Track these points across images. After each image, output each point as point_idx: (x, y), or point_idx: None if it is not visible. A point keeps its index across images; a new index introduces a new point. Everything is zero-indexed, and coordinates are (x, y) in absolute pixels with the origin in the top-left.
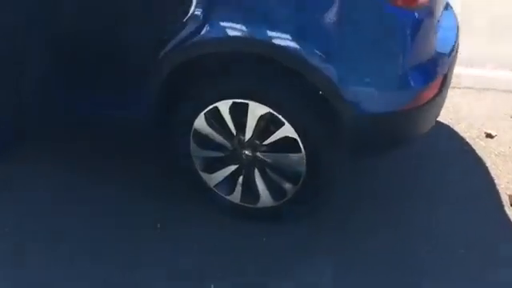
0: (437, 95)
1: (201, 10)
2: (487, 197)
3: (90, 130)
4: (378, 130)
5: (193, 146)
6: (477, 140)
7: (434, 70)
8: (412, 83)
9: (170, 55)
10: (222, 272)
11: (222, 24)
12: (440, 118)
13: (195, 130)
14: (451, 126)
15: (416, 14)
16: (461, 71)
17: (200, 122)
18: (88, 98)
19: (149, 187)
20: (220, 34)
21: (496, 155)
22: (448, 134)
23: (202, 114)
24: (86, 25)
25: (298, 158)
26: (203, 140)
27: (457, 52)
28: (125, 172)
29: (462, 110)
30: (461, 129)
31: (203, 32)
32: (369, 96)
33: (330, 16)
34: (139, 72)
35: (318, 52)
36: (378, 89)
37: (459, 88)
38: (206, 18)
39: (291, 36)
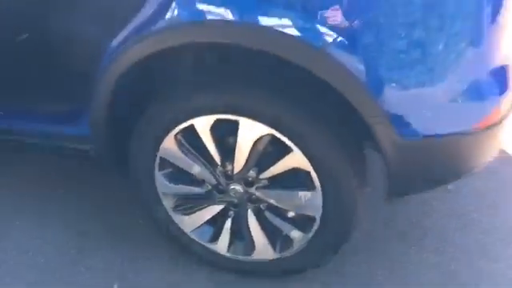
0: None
1: None
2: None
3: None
4: (430, 158)
5: (160, 180)
6: None
7: (501, 89)
8: (487, 92)
9: (121, 51)
10: None
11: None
12: None
13: (161, 158)
14: None
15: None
16: None
17: (168, 147)
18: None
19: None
20: (196, 16)
21: None
22: None
23: (172, 135)
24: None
25: (311, 197)
26: (174, 171)
27: None
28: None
29: None
30: None
31: (169, 15)
32: (425, 112)
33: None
34: (76, 79)
35: (357, 53)
36: (432, 110)
37: None
38: None
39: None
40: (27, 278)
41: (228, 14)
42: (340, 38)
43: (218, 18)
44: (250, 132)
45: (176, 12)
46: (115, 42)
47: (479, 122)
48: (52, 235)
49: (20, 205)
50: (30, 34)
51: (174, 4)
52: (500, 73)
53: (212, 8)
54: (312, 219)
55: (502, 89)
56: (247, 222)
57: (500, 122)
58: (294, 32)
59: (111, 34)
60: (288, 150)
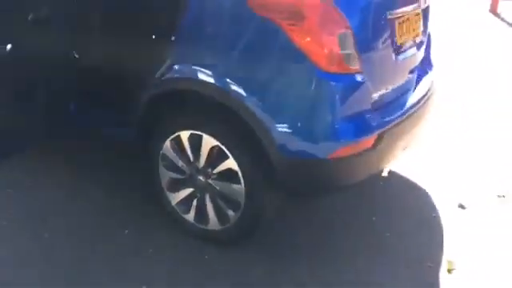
0: (367, 150)
1: (169, 56)
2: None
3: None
4: (300, 173)
5: (161, 167)
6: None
7: (361, 128)
8: (335, 136)
9: (148, 88)
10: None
11: (182, 67)
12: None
13: (162, 154)
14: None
15: (346, 78)
16: None
17: (166, 147)
18: (88, 113)
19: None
20: (179, 74)
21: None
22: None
23: (169, 140)
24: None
25: (238, 189)
26: (168, 163)
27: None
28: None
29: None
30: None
31: (169, 72)
32: (295, 141)
33: (269, 71)
34: (128, 99)
35: (254, 98)
36: (303, 136)
37: None
38: (172, 62)
39: (234, 83)
40: None
41: (194, 75)
42: (239, 88)
43: (188, 76)
44: (207, 143)
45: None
46: (150, 80)
47: (332, 154)
48: None
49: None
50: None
51: (172, 67)
52: (355, 120)
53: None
54: (239, 204)
55: (355, 134)
56: (205, 201)
57: (356, 155)
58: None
59: (150, 74)
60: (227, 157)
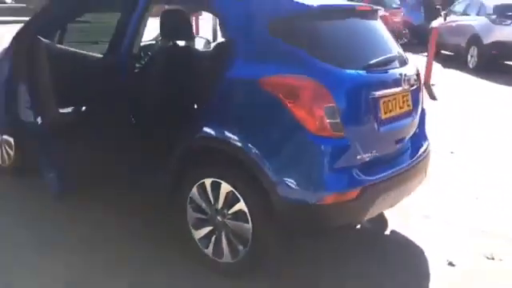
0: (352, 200)
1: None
2: None
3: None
4: (296, 215)
5: (188, 209)
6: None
7: (346, 182)
8: (323, 187)
9: (179, 147)
10: None
11: (206, 128)
12: None
13: (190, 198)
14: None
15: (332, 141)
16: None
17: (194, 192)
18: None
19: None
20: (204, 133)
21: None
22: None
23: (196, 186)
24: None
25: (247, 227)
26: (195, 205)
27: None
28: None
29: None
30: None
31: (195, 132)
32: (293, 190)
33: (274, 135)
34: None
35: (262, 155)
36: (299, 186)
37: None
38: (197, 125)
39: (248, 143)
40: None
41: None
42: (252, 147)
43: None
44: (225, 188)
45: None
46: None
47: (321, 201)
48: None
49: None
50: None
51: (196, 128)
52: (341, 175)
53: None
54: (248, 239)
55: (341, 186)
56: (221, 238)
57: (341, 203)
58: (237, 143)
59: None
60: (238, 200)
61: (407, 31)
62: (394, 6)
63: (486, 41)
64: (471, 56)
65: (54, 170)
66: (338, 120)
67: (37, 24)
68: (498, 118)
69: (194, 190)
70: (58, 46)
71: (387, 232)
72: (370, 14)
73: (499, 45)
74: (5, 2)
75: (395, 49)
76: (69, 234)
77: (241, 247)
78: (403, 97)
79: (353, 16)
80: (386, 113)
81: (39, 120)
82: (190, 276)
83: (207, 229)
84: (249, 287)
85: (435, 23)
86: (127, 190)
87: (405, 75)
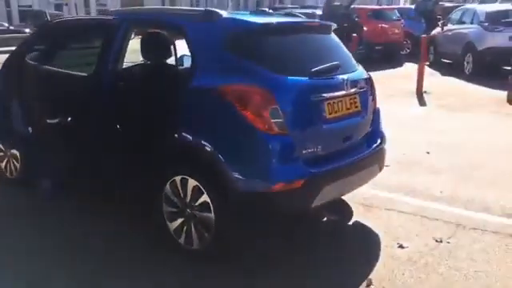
0: (297, 188)
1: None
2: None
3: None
4: (250, 202)
5: (164, 204)
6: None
7: (290, 173)
8: (271, 176)
9: (154, 151)
10: None
11: (174, 133)
12: None
13: (165, 194)
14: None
15: (277, 137)
16: None
17: (167, 189)
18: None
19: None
20: (172, 137)
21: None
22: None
23: (168, 183)
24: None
25: (210, 217)
26: (168, 200)
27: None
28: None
29: None
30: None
31: (165, 138)
32: (246, 180)
33: (229, 134)
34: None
35: (221, 152)
36: (252, 176)
37: None
38: (167, 131)
39: (209, 142)
40: None
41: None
42: (212, 146)
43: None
44: (191, 183)
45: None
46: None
47: (269, 189)
48: None
49: None
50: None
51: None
52: (286, 166)
53: None
54: (212, 227)
55: (286, 176)
56: (191, 227)
57: (288, 191)
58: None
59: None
60: (203, 193)
61: (408, 42)
62: (394, 17)
63: (480, 47)
64: (467, 63)
65: (44, 176)
66: (282, 120)
67: (26, 49)
68: (479, 124)
69: (168, 186)
70: (44, 66)
71: (350, 222)
72: (321, 29)
73: (493, 51)
74: (24, 32)
75: (344, 58)
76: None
77: (207, 234)
78: (350, 99)
79: (302, 31)
80: (330, 113)
81: (30, 129)
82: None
83: (179, 220)
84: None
85: (433, 32)
86: (111, 191)
87: (349, 80)
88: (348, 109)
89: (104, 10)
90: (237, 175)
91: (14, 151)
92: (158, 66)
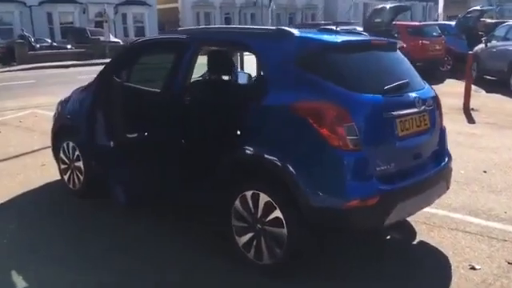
0: (372, 206)
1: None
2: None
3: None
4: (323, 218)
5: (233, 218)
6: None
7: (365, 190)
8: (346, 194)
9: (223, 166)
10: None
11: (245, 149)
12: None
13: (234, 208)
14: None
15: (352, 154)
16: None
17: (237, 204)
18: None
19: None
20: (244, 154)
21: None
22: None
23: (238, 198)
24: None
25: (283, 232)
26: (238, 214)
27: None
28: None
29: None
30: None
31: (236, 153)
32: (321, 197)
33: (303, 151)
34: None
35: (294, 168)
36: (326, 193)
37: None
38: (244, 144)
39: (282, 159)
40: None
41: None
42: (286, 162)
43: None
44: (263, 199)
45: (241, 150)
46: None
47: (344, 206)
48: None
49: None
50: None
51: (241, 147)
52: (361, 183)
53: None
54: (284, 243)
55: (361, 193)
56: (261, 242)
57: (362, 208)
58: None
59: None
60: (275, 208)
61: (449, 58)
62: (435, 34)
63: None
64: None
65: (120, 186)
66: (357, 137)
67: (112, 66)
68: None
69: (238, 201)
70: (127, 84)
71: (415, 242)
72: (387, 46)
73: None
74: (66, 48)
75: (412, 75)
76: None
77: (278, 250)
78: (420, 117)
79: (371, 49)
80: (402, 131)
81: (111, 143)
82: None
83: (249, 235)
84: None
85: (476, 49)
86: (179, 203)
87: (419, 98)
88: (418, 126)
89: (173, 29)
90: (310, 191)
91: (78, 164)
92: (224, 82)
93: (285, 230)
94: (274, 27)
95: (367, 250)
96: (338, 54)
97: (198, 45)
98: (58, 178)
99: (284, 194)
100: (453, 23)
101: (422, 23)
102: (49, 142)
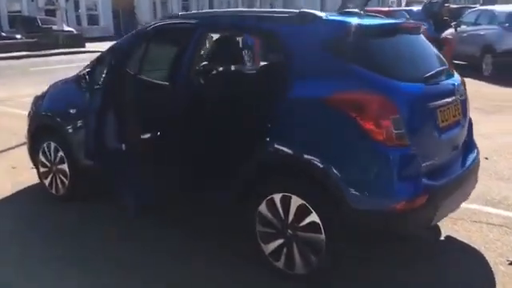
0: (420, 206)
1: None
2: None
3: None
4: (368, 222)
5: (257, 224)
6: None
7: (414, 189)
8: (394, 194)
9: (246, 165)
10: None
11: (274, 146)
12: None
13: (259, 212)
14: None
15: (399, 150)
16: None
17: (262, 207)
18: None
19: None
20: (271, 151)
21: None
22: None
23: (264, 201)
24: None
25: (320, 239)
26: (264, 220)
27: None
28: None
29: None
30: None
31: (271, 150)
32: (364, 198)
33: (343, 147)
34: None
35: (333, 167)
36: (370, 194)
37: None
38: (269, 144)
39: (320, 157)
40: None
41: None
42: (323, 160)
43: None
44: (296, 202)
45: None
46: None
47: (391, 208)
48: None
49: None
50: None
51: (271, 145)
52: (410, 182)
53: None
54: (321, 250)
55: (410, 193)
56: (293, 250)
57: (411, 210)
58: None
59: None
60: (310, 212)
61: None
62: (403, 19)
63: (500, 49)
64: (486, 64)
65: (131, 195)
66: (403, 130)
67: (123, 56)
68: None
69: (263, 205)
70: (139, 76)
71: (442, 237)
72: (415, 29)
73: None
74: (16, 38)
75: (442, 61)
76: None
77: (314, 258)
78: (455, 106)
79: (402, 32)
80: (443, 121)
81: (123, 146)
82: None
83: (278, 242)
84: None
85: (448, 34)
86: (195, 207)
87: (454, 86)
88: (454, 116)
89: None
90: (352, 192)
91: (62, 166)
92: (241, 73)
93: (322, 236)
94: (296, 10)
95: (397, 251)
96: (372, 38)
97: (207, 30)
98: (36, 182)
99: (321, 196)
100: (414, 8)
101: (391, 8)
102: (14, 141)
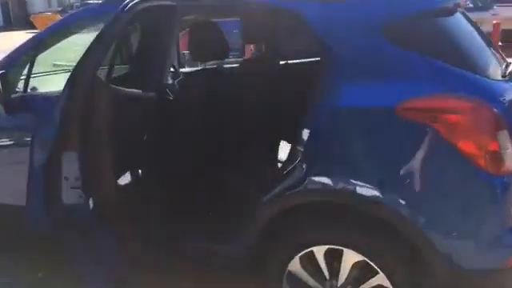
0: None
1: (299, 166)
2: None
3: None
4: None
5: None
6: None
7: None
8: (503, 246)
9: (273, 202)
10: None
11: (318, 178)
12: None
13: (289, 271)
14: None
15: (506, 178)
16: None
17: (294, 265)
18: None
19: None
20: (317, 185)
21: None
22: None
23: (297, 257)
24: None
25: None
26: (296, 282)
27: None
28: None
29: None
30: None
31: (301, 184)
32: (465, 252)
33: (426, 176)
34: (243, 215)
35: (411, 206)
36: (474, 246)
37: None
38: (304, 173)
39: (387, 191)
40: None
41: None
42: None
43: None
44: (350, 258)
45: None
46: (270, 196)
47: (501, 263)
48: None
49: None
50: None
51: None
52: None
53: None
54: None
55: None
56: None
57: None
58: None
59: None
60: (375, 272)
61: None
62: None
63: None
64: None
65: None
66: (511, 150)
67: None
68: None
69: (296, 261)
70: (112, 86)
71: None
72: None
73: None
74: None
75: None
76: None
77: None
78: None
79: (462, 14)
80: None
81: (91, 203)
82: None
83: None
84: None
85: None
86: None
87: None
88: None
89: None
90: (450, 245)
91: None
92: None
93: None
94: None
95: None
96: (449, 20)
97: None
98: None
99: (395, 250)
100: None
101: None
102: None
